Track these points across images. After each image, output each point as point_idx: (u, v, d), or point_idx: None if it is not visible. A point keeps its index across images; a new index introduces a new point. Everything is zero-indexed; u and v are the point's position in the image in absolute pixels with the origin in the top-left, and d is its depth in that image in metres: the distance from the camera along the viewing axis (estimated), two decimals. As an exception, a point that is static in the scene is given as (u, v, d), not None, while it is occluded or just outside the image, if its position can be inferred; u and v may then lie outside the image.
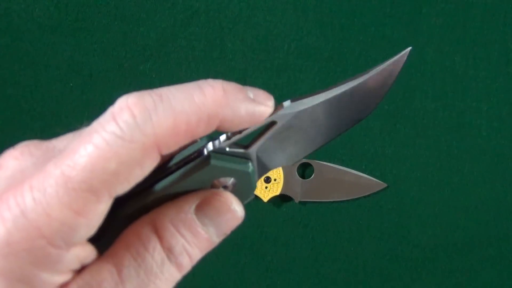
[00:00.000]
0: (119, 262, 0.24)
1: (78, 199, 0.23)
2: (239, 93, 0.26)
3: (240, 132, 0.26)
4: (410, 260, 0.65)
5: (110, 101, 0.24)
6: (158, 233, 0.25)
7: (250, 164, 0.27)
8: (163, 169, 0.26)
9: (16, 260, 0.23)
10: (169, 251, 0.25)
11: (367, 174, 0.65)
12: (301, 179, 0.65)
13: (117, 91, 0.31)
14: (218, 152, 0.26)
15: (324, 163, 0.66)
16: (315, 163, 0.66)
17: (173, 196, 0.26)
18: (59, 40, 0.69)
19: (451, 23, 0.66)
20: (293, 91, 0.67)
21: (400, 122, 0.66)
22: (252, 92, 0.26)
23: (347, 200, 0.66)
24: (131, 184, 0.24)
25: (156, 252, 0.25)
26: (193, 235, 0.25)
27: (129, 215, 0.26)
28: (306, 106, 0.26)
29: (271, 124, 0.26)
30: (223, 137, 0.26)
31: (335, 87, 0.26)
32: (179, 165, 0.26)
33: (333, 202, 0.66)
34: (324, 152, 0.66)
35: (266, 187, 0.65)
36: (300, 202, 0.66)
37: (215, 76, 0.69)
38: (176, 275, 0.26)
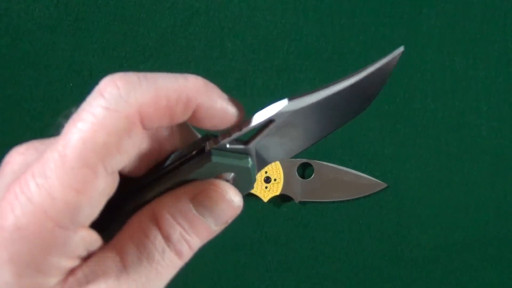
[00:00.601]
0: (123, 250, 0.25)
1: (77, 176, 0.24)
2: (217, 90, 0.27)
3: (240, 128, 0.27)
4: (410, 260, 0.65)
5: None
6: (157, 222, 0.26)
7: (249, 159, 0.28)
8: (162, 167, 0.27)
9: (25, 245, 0.24)
10: (167, 239, 0.26)
11: (367, 174, 0.65)
12: (301, 179, 0.65)
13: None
14: (219, 149, 0.27)
15: (324, 163, 0.66)
16: (315, 163, 0.66)
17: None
18: (59, 40, 0.69)
19: (451, 23, 0.66)
20: (293, 91, 0.67)
21: (400, 122, 0.66)
22: (229, 97, 0.28)
23: (347, 200, 0.66)
24: (123, 157, 0.25)
25: (157, 240, 0.25)
26: (190, 224, 0.26)
27: (132, 211, 0.27)
28: (302, 105, 0.27)
29: (269, 122, 0.27)
30: (223, 135, 0.27)
31: (331, 85, 0.27)
32: (181, 162, 0.27)
33: (333, 202, 0.66)
34: (324, 152, 0.66)
35: (266, 187, 0.65)
36: (300, 202, 0.66)
37: (215, 76, 0.70)
38: (177, 262, 0.26)
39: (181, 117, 0.26)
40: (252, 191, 0.65)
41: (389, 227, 0.65)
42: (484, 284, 0.64)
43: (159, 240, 0.26)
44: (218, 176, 0.27)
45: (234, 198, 0.27)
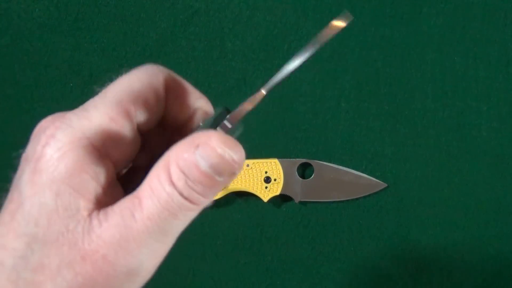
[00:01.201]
0: (141, 194, 0.28)
1: (112, 108, 0.29)
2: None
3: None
4: (410, 260, 0.65)
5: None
6: (167, 169, 0.28)
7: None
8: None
9: (64, 162, 0.28)
10: (175, 186, 0.28)
11: (367, 174, 0.65)
12: (301, 179, 0.65)
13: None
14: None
15: (324, 163, 0.66)
16: (315, 163, 0.66)
17: None
18: (59, 40, 0.69)
19: (451, 23, 0.66)
20: (293, 91, 0.67)
21: (400, 122, 0.66)
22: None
23: (347, 200, 0.66)
24: (149, 111, 0.30)
25: (165, 184, 0.28)
26: (193, 173, 0.28)
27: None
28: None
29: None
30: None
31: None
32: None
33: (333, 202, 0.66)
34: (324, 152, 0.66)
35: (266, 187, 0.65)
36: (300, 202, 0.66)
37: (215, 76, 0.70)
38: (190, 206, 0.28)
39: (186, 109, 0.32)
40: (252, 191, 0.65)
41: (389, 227, 0.65)
42: (484, 284, 0.64)
43: (168, 185, 0.28)
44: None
45: (225, 153, 0.28)
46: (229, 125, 0.31)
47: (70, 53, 0.68)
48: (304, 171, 0.66)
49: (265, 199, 0.65)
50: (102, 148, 0.29)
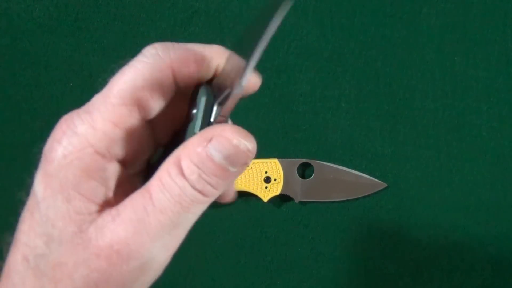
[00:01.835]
0: (151, 188, 0.29)
1: (116, 112, 0.29)
2: (235, 55, 0.31)
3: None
4: (410, 260, 0.65)
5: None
6: (179, 164, 0.29)
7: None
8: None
9: (71, 169, 0.29)
10: (188, 179, 0.29)
11: (367, 174, 0.65)
12: (301, 179, 0.65)
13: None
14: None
15: (324, 163, 0.66)
16: (315, 163, 0.66)
17: None
18: (59, 40, 0.69)
19: (451, 23, 0.66)
20: (293, 91, 0.67)
21: (400, 122, 0.66)
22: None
23: (347, 200, 0.66)
24: (155, 104, 0.30)
25: (177, 179, 0.28)
26: (207, 165, 0.29)
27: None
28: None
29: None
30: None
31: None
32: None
33: (333, 202, 0.66)
34: (324, 152, 0.66)
35: (266, 187, 0.65)
36: (300, 202, 0.66)
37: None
38: (201, 198, 0.29)
39: (205, 75, 0.31)
40: (252, 191, 0.65)
41: (389, 227, 0.65)
42: (484, 284, 0.64)
43: (179, 179, 0.28)
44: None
45: (240, 143, 0.29)
46: (223, 118, 0.31)
47: (70, 53, 0.68)
48: (304, 171, 0.66)
49: (265, 199, 0.65)
50: (108, 153, 0.30)
